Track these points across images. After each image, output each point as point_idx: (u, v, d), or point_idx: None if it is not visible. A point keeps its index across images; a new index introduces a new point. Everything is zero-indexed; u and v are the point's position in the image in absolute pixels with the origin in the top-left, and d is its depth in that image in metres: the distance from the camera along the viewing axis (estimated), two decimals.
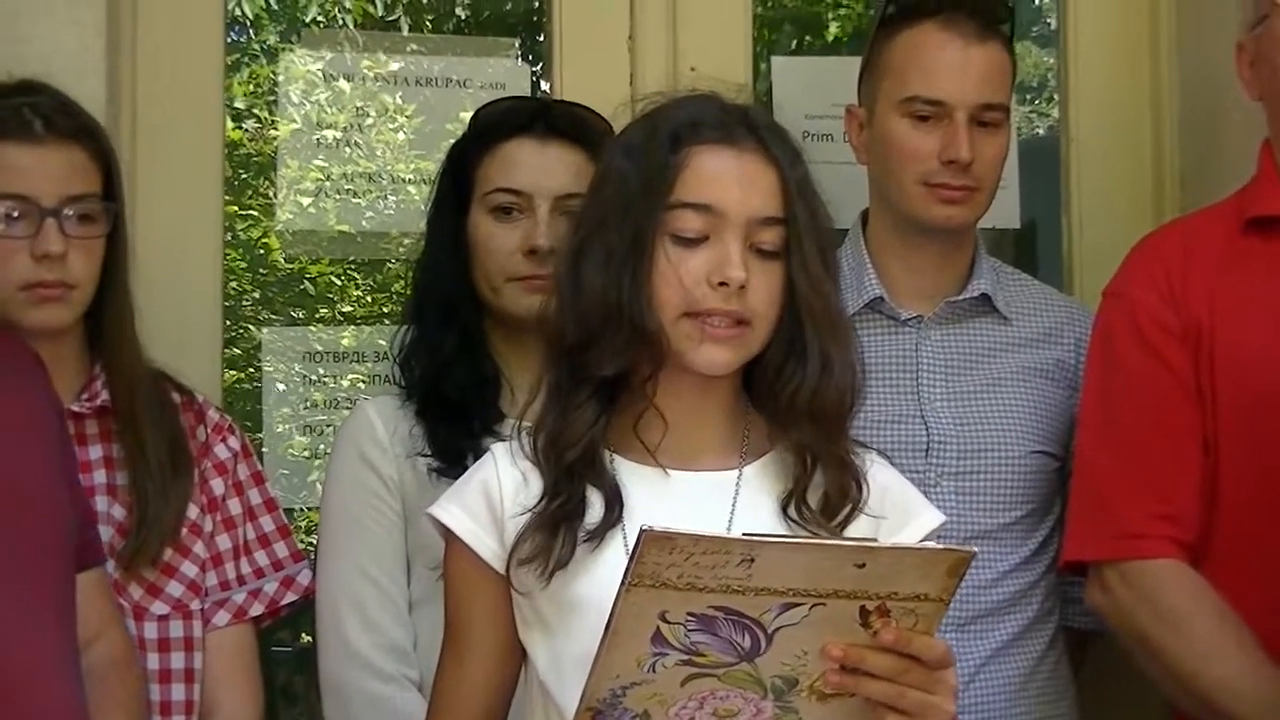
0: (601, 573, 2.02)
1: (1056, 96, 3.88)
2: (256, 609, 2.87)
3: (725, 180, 2.17)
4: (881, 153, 2.97)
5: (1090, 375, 2.83)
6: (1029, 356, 2.99)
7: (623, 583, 1.81)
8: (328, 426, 3.61)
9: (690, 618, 1.83)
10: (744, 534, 1.85)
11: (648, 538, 1.78)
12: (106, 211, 2.75)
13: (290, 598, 2.91)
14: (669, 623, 1.83)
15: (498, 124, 2.88)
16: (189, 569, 2.81)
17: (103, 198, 2.75)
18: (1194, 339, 2.71)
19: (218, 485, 2.87)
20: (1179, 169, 3.55)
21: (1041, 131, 3.93)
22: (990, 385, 2.96)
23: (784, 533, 2.15)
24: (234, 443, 2.91)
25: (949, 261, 3.00)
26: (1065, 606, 3.03)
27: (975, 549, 1.89)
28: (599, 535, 2.15)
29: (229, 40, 4.65)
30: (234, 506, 2.88)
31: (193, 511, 2.81)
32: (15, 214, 2.67)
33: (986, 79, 2.92)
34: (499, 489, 2.22)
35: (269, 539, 2.92)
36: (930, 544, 2.02)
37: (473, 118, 2.99)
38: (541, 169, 2.79)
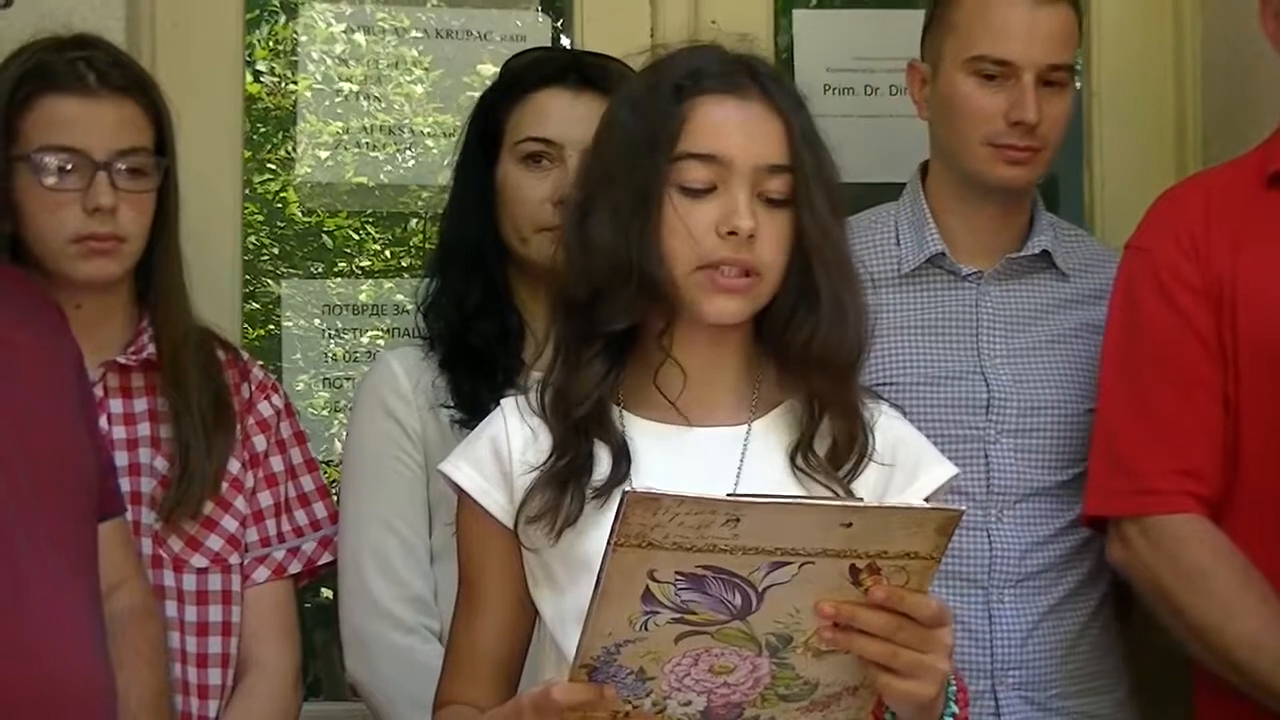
0: (608, 531, 2.01)
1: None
2: (295, 567, 2.89)
3: (730, 129, 2.17)
4: (946, 111, 2.95)
5: (1111, 330, 2.83)
6: (1087, 313, 2.98)
7: (609, 543, 1.81)
8: (346, 380, 3.61)
9: (679, 577, 1.82)
10: (729, 494, 1.84)
11: (631, 498, 1.78)
12: (157, 166, 2.77)
13: (327, 558, 2.92)
14: (658, 581, 1.83)
15: (529, 74, 2.89)
16: (229, 523, 2.83)
17: (154, 152, 2.77)
18: (1215, 294, 2.70)
19: (260, 442, 2.89)
20: (1201, 123, 3.53)
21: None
22: (1049, 342, 2.96)
23: (782, 490, 2.15)
24: (277, 400, 2.93)
25: (1009, 218, 2.99)
26: None
27: (964, 508, 1.88)
28: (606, 492, 2.15)
29: None
30: (276, 464, 2.90)
31: (234, 467, 2.83)
32: (68, 166, 2.70)
33: (1053, 39, 2.90)
34: (507, 445, 2.22)
35: (308, 498, 2.94)
36: (918, 502, 2.01)
37: (503, 67, 2.99)
38: (573, 119, 2.78)
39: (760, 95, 2.19)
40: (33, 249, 2.73)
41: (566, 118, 2.80)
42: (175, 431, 2.78)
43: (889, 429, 2.25)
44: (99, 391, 2.75)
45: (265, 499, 2.87)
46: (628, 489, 1.80)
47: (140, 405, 2.81)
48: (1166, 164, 3.54)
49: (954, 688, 2.05)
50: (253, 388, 2.90)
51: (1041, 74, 2.88)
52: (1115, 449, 2.75)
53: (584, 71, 2.86)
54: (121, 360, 2.78)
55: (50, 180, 2.69)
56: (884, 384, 2.31)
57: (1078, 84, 3.51)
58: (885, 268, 2.92)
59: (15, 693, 2.11)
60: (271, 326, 3.93)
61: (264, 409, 2.90)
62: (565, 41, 3.74)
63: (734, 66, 2.21)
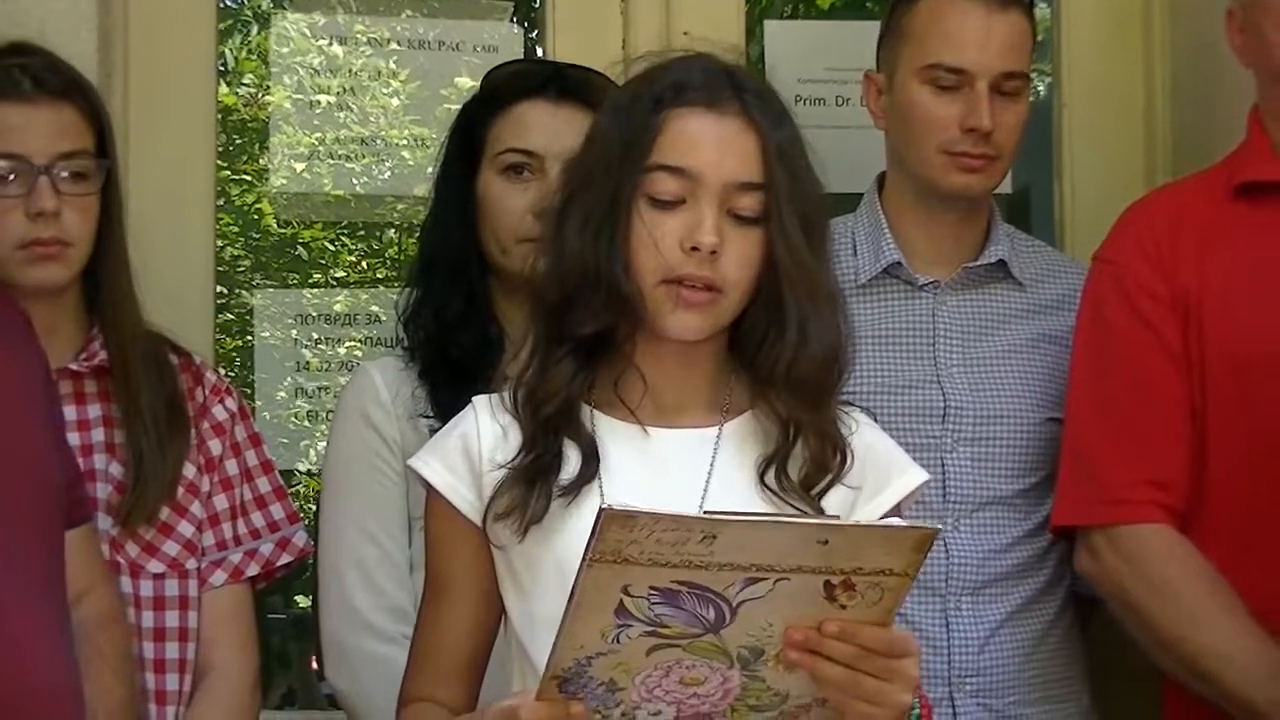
0: (575, 531, 2.01)
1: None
2: (253, 569, 2.88)
3: (703, 144, 2.16)
4: (902, 120, 2.96)
5: (1079, 342, 2.84)
6: (1044, 323, 2.99)
7: (584, 559, 1.81)
8: (322, 390, 3.62)
9: (653, 591, 1.83)
10: (705, 512, 1.85)
11: (607, 516, 1.78)
12: (99, 168, 2.76)
13: (285, 559, 2.92)
14: (632, 596, 1.83)
15: (510, 85, 2.90)
16: (185, 528, 2.81)
17: (96, 155, 2.76)
18: (1182, 305, 2.72)
19: (215, 446, 2.87)
20: (1171, 135, 3.55)
21: (1042, 90, 3.94)
22: (1006, 352, 2.96)
23: (755, 502, 2.16)
24: (231, 404, 2.92)
25: (966, 227, 3.00)
26: (1073, 572, 3.03)
27: (939, 526, 1.89)
28: (574, 490, 2.15)
29: (222, 4, 4.66)
30: (231, 467, 2.89)
31: (190, 471, 2.82)
32: (10, 175, 2.68)
33: (1008, 48, 2.91)
34: (478, 442, 2.23)
35: (265, 500, 2.93)
36: (895, 521, 2.01)
37: (484, 79, 3.00)
38: (554, 131, 2.79)
39: (739, 111, 2.18)
40: None
41: (547, 129, 2.81)
42: (128, 436, 2.77)
43: (859, 440, 2.25)
44: None
45: (221, 502, 2.86)
46: (604, 506, 1.79)
47: (94, 411, 2.79)
48: (1136, 176, 3.56)
49: (917, 711, 2.06)
50: (207, 391, 2.89)
51: (995, 82, 2.88)
52: (1083, 459, 2.77)
53: (565, 83, 2.86)
54: (74, 367, 2.77)
55: None
56: (841, 394, 2.32)
57: (1041, 91, 3.52)
58: (842, 278, 2.86)
59: None
60: (249, 337, 3.93)
61: (218, 412, 2.89)
62: (539, 52, 3.75)
63: (717, 80, 2.20)
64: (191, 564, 2.81)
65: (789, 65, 3.64)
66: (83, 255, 2.75)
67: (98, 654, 2.49)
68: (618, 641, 1.86)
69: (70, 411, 2.76)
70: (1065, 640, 2.95)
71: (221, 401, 2.90)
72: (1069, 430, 2.82)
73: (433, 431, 2.70)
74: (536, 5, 3.73)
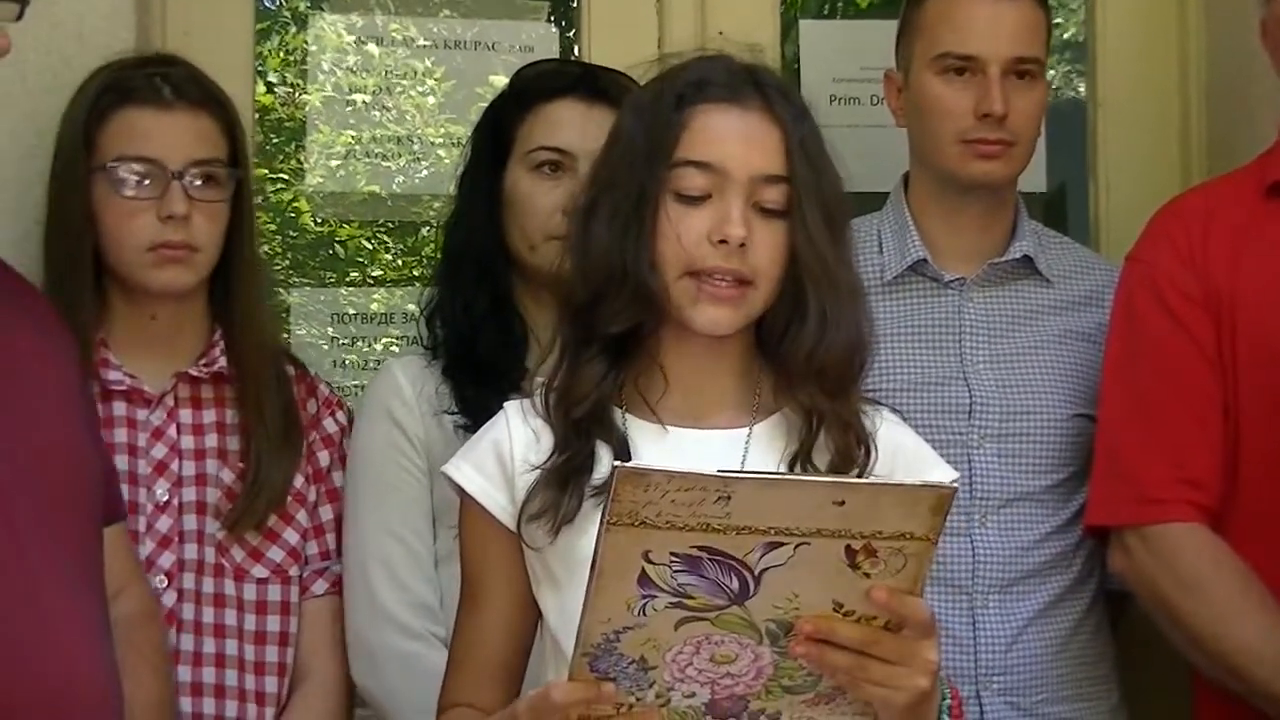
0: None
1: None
2: None
3: (728, 138, 2.18)
4: (918, 113, 2.97)
5: (1112, 340, 2.84)
6: (1071, 319, 3.00)
7: (601, 522, 1.81)
8: (358, 389, 3.63)
9: (674, 558, 1.83)
10: (719, 470, 1.85)
11: (620, 473, 1.79)
12: (230, 177, 2.82)
13: None
14: (653, 563, 1.83)
15: (542, 84, 2.91)
16: (291, 536, 2.86)
17: (228, 165, 2.81)
18: (1215, 305, 2.72)
19: (324, 457, 2.92)
20: (1206, 134, 3.54)
21: (1081, 91, 3.93)
22: (1033, 348, 2.97)
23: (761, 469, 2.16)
24: (342, 417, 2.97)
25: (991, 222, 3.01)
26: (1102, 569, 3.03)
27: (957, 485, 1.88)
28: (605, 490, 2.16)
29: (260, 6, 4.67)
30: (338, 479, 2.93)
31: (298, 481, 2.87)
32: (144, 178, 2.75)
33: (1018, 32, 2.92)
34: (509, 446, 2.24)
35: None
36: (909, 480, 2.02)
37: (514, 77, 3.02)
38: (585, 130, 2.80)
39: (761, 105, 2.20)
40: (110, 259, 2.79)
41: (580, 128, 2.82)
42: (246, 443, 2.82)
43: (888, 437, 2.27)
44: (169, 401, 2.82)
45: (326, 513, 2.90)
46: (616, 464, 1.81)
47: (209, 417, 2.85)
48: (1172, 175, 3.55)
49: (948, 700, 2.06)
50: (319, 403, 2.94)
51: (1007, 67, 2.89)
52: (1117, 459, 2.77)
53: (597, 84, 2.88)
54: (193, 372, 2.83)
55: (127, 191, 2.75)
56: (867, 391, 2.32)
57: (1080, 91, 3.51)
58: (868, 276, 2.87)
59: (28, 694, 2.11)
60: (285, 335, 3.95)
61: (329, 425, 2.94)
62: (575, 51, 3.76)
63: (739, 77, 2.23)
64: (295, 571, 2.86)
65: (824, 65, 3.65)
66: (209, 261, 2.81)
67: (136, 651, 2.50)
68: (644, 614, 1.87)
69: (185, 415, 2.83)
70: (1095, 637, 2.95)
71: (333, 414, 2.96)
72: (1102, 430, 2.82)
73: (457, 428, 2.73)
74: (572, 5, 3.73)
